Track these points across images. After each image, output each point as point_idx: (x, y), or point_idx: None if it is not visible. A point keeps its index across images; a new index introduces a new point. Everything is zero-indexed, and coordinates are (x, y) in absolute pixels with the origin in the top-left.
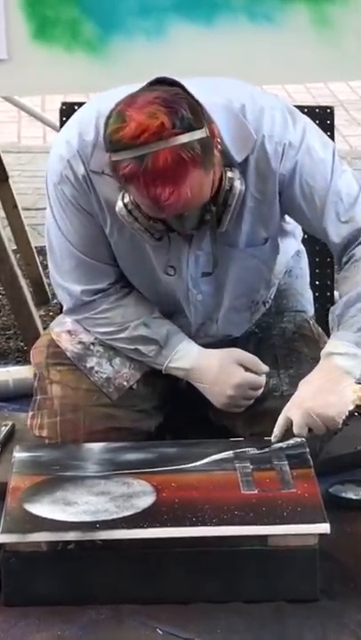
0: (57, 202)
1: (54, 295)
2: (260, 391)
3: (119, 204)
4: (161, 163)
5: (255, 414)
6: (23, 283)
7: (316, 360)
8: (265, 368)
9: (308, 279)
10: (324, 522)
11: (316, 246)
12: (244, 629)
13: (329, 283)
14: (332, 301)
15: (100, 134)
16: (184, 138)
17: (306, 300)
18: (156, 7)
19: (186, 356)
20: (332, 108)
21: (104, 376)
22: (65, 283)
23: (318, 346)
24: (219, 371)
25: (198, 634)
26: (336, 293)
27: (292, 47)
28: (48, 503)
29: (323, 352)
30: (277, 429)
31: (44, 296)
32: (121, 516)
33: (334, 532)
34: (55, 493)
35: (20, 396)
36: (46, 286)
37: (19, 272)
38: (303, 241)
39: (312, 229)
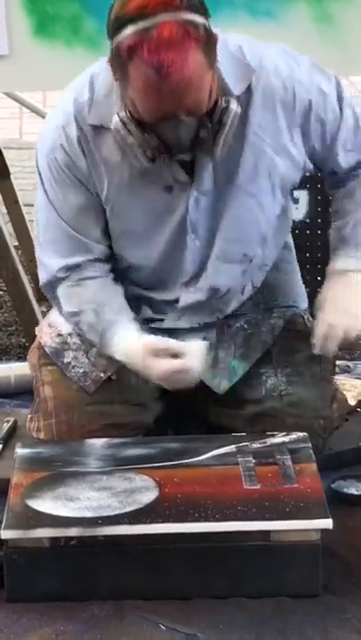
0: (48, 172)
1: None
2: (190, 373)
3: (114, 119)
4: (167, 32)
5: (255, 415)
6: (25, 279)
7: (311, 357)
8: (177, 346)
9: (298, 275)
10: (327, 517)
11: (307, 242)
12: (246, 625)
13: (320, 278)
14: None
15: (96, 92)
16: (191, 16)
17: (298, 294)
18: None
19: (116, 347)
20: None
21: (80, 371)
22: (45, 256)
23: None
24: (143, 365)
25: (201, 629)
26: None
27: (294, 43)
28: (50, 499)
29: (336, 268)
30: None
31: None
32: (123, 511)
33: (336, 527)
34: (57, 489)
35: (21, 393)
36: None
37: (20, 268)
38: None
39: (319, 162)
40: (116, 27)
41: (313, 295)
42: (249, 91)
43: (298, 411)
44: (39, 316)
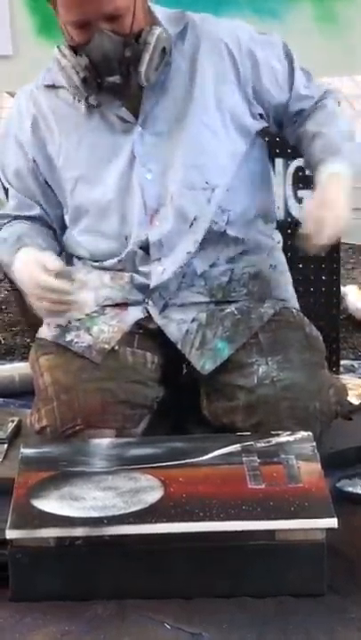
0: (4, 133)
1: None
2: (64, 296)
3: (55, 51)
4: None
5: (250, 404)
6: None
7: (302, 345)
8: (58, 267)
9: (289, 277)
10: (332, 516)
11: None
12: (250, 624)
13: (312, 277)
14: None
15: (52, 65)
16: None
17: (289, 294)
18: (162, 2)
19: (17, 261)
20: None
21: (84, 344)
22: None
23: (304, 331)
24: (26, 272)
25: (205, 628)
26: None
27: (297, 42)
28: (55, 499)
29: (328, 171)
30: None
31: None
32: (128, 511)
33: (341, 526)
34: (62, 489)
35: (26, 393)
36: None
37: None
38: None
39: (273, 107)
40: None
41: (304, 294)
42: (195, 34)
43: (292, 394)
44: None
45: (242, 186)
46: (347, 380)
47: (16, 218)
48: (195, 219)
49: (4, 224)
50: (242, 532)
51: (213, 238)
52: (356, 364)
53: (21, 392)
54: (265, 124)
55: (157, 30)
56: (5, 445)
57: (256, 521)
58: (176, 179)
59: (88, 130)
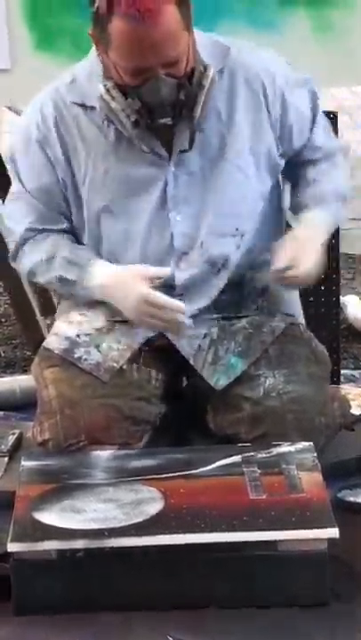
0: (20, 146)
1: (60, 304)
2: (169, 314)
3: (99, 87)
4: None
5: (256, 415)
6: (29, 292)
7: (307, 358)
8: (164, 272)
9: (297, 293)
10: (333, 526)
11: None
12: (254, 634)
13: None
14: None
15: (77, 75)
16: None
17: (297, 310)
18: None
19: (100, 273)
20: (335, 114)
21: (93, 362)
22: (15, 224)
23: (310, 346)
24: (131, 287)
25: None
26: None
27: (294, 53)
28: (57, 511)
29: (306, 216)
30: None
31: (49, 305)
32: (130, 523)
33: (343, 536)
34: (64, 501)
35: (27, 405)
36: (52, 295)
37: (24, 281)
38: None
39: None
40: None
41: (305, 305)
42: (232, 69)
43: (298, 407)
44: (44, 329)
45: (265, 226)
46: (347, 389)
47: (42, 231)
48: (222, 265)
49: (31, 238)
50: (244, 542)
51: (235, 279)
52: (356, 373)
53: (22, 405)
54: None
55: (211, 72)
56: (6, 458)
57: (258, 531)
58: (207, 224)
59: (117, 160)
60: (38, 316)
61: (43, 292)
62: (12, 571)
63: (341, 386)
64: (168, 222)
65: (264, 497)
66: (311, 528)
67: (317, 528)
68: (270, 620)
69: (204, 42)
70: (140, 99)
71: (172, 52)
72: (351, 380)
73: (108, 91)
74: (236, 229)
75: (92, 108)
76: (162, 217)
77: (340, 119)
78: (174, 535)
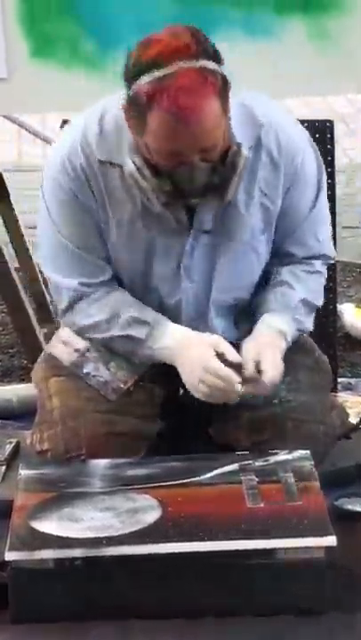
0: (52, 194)
1: (57, 313)
2: (231, 388)
3: (130, 164)
4: (187, 79)
5: (255, 422)
6: (26, 300)
7: (309, 367)
8: (237, 358)
9: None
10: (331, 534)
11: None
12: None
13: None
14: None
15: (105, 127)
16: (207, 63)
17: None
18: (155, 23)
19: (171, 335)
20: (331, 122)
21: (101, 379)
22: (63, 279)
23: (313, 355)
24: (196, 353)
25: None
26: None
27: (291, 61)
28: (54, 520)
29: (273, 327)
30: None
31: (47, 314)
32: (127, 531)
33: (341, 544)
34: (61, 510)
35: (24, 414)
36: (49, 304)
37: (22, 290)
38: None
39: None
40: (132, 74)
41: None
42: (257, 146)
43: (298, 415)
44: (41, 337)
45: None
46: (345, 397)
47: (97, 285)
48: (217, 328)
49: (87, 295)
50: (241, 551)
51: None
52: (353, 381)
53: (19, 414)
54: None
55: (244, 153)
56: (4, 467)
57: (255, 540)
58: (214, 297)
59: (143, 225)
60: (35, 325)
61: (40, 301)
62: (10, 579)
63: (339, 394)
64: (179, 288)
65: (262, 505)
66: (309, 536)
67: (315, 536)
68: (269, 629)
69: (238, 115)
70: (172, 181)
71: (209, 143)
72: (348, 388)
73: (138, 169)
74: (234, 299)
75: (121, 166)
76: (174, 282)
77: (337, 126)
78: (172, 544)
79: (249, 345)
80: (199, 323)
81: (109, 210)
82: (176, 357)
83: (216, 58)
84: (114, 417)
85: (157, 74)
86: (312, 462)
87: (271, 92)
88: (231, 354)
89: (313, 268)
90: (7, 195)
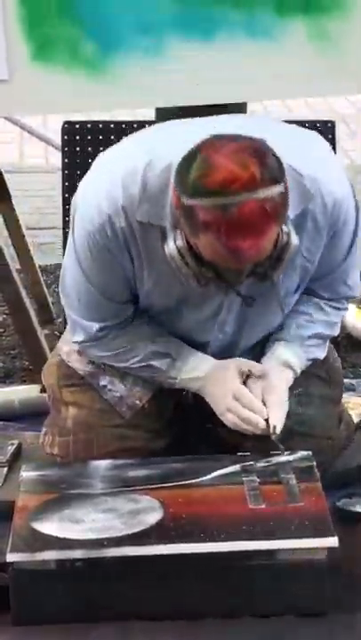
0: (86, 247)
1: (59, 314)
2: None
3: (171, 246)
4: (247, 214)
5: (262, 433)
6: (28, 302)
7: (321, 378)
8: (263, 371)
9: None
10: (333, 535)
11: None
12: None
13: None
14: None
15: (148, 185)
16: (270, 191)
17: None
18: (156, 24)
19: (200, 366)
20: (333, 123)
21: (117, 395)
22: (83, 320)
23: (327, 364)
24: (226, 382)
25: None
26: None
27: (292, 62)
28: (55, 521)
29: (281, 358)
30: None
31: (48, 315)
32: (128, 532)
33: (343, 545)
34: (62, 511)
35: (25, 416)
36: (51, 305)
37: (23, 292)
38: None
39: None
40: (192, 191)
41: None
42: (303, 213)
43: (306, 429)
44: (42, 339)
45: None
46: (346, 398)
47: (115, 326)
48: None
49: (104, 336)
50: (243, 552)
51: None
52: (355, 382)
53: (21, 415)
54: None
55: (293, 239)
56: (5, 469)
57: (257, 541)
58: (243, 343)
59: (180, 283)
60: (37, 327)
61: (41, 302)
62: (11, 580)
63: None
64: (209, 334)
65: (263, 506)
66: (311, 537)
67: (317, 537)
68: (269, 630)
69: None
70: (216, 272)
71: (261, 256)
72: (350, 389)
73: (181, 256)
74: (261, 338)
75: (160, 226)
76: (205, 328)
77: (338, 127)
78: (173, 545)
79: (255, 385)
80: (225, 357)
81: (145, 266)
82: (202, 388)
83: (280, 174)
84: (126, 431)
85: (218, 201)
86: (314, 463)
87: (272, 93)
88: (256, 369)
89: (338, 304)
90: (8, 196)
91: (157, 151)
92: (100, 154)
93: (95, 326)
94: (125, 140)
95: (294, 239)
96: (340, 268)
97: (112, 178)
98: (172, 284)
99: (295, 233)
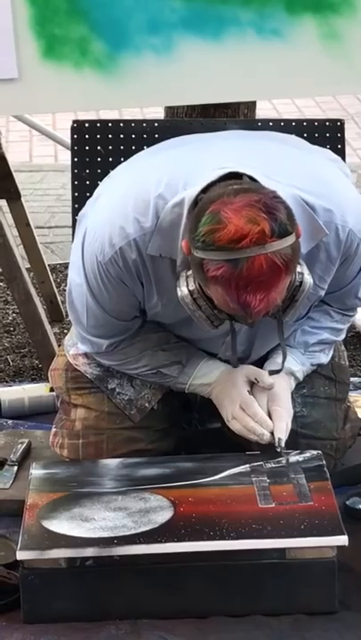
0: (97, 273)
1: (67, 313)
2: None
3: (183, 291)
4: (256, 269)
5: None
6: (37, 301)
7: (327, 378)
8: (270, 383)
9: None
10: (342, 534)
11: None
12: None
13: None
14: None
15: (159, 220)
16: (280, 244)
17: None
18: (165, 23)
19: (209, 373)
20: (342, 122)
21: (126, 398)
22: (91, 337)
23: (333, 361)
24: (234, 390)
25: None
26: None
27: (301, 61)
28: (65, 520)
29: (285, 366)
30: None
31: (58, 314)
32: (139, 531)
33: (352, 543)
34: (72, 510)
35: (35, 414)
36: (60, 304)
37: (32, 290)
38: None
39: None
40: (202, 245)
41: None
42: (316, 246)
43: (311, 432)
44: (52, 337)
45: None
46: (355, 397)
47: (125, 339)
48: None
49: (114, 349)
50: (252, 550)
51: None
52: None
53: (31, 414)
54: None
55: (307, 279)
56: (15, 467)
57: (267, 539)
58: (251, 357)
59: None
60: (46, 325)
61: (50, 301)
62: (22, 579)
63: (349, 394)
64: (219, 349)
65: (273, 505)
66: (320, 536)
67: (326, 535)
68: (279, 628)
69: (300, 218)
70: (229, 315)
71: (273, 306)
72: (359, 387)
73: (194, 300)
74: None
75: (170, 258)
76: (215, 344)
77: (347, 126)
78: (183, 543)
79: (261, 394)
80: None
81: (155, 291)
82: (210, 394)
83: (291, 224)
84: (135, 434)
85: (228, 256)
86: (323, 462)
87: (282, 92)
88: (263, 379)
89: (346, 312)
90: (18, 195)
91: (168, 180)
92: (111, 171)
93: (105, 343)
94: (136, 162)
95: (308, 279)
96: (350, 284)
97: (124, 211)
98: (181, 307)
99: (307, 266)
